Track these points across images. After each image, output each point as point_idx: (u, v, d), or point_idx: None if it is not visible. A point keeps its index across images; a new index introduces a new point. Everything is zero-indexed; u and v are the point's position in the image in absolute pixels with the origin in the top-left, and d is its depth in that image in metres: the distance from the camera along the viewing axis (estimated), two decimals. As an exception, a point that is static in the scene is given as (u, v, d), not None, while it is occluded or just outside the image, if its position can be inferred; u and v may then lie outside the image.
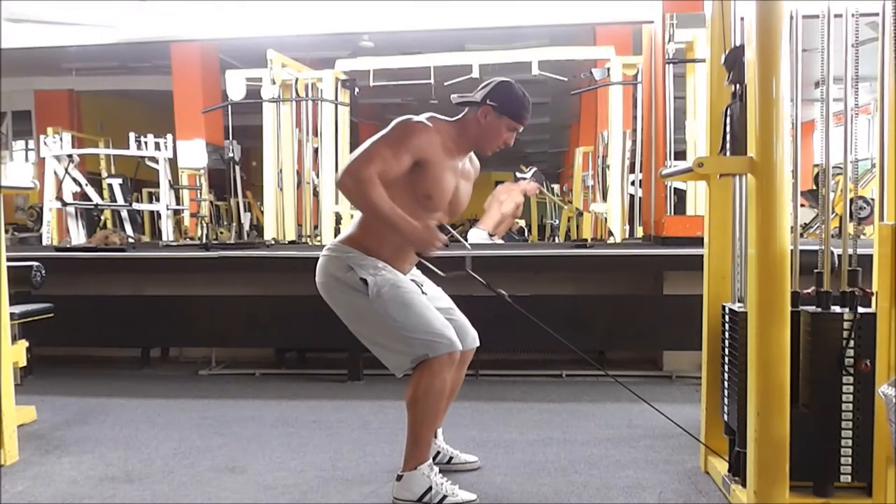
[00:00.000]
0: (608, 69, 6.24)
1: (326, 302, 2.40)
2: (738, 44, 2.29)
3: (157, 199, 8.27)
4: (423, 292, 2.42)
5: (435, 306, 2.38)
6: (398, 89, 8.39)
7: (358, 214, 2.44)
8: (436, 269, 2.36)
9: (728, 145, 2.29)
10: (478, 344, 2.54)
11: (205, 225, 7.51)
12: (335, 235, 2.90)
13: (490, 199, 6.01)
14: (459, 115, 2.41)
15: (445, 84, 6.35)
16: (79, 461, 2.80)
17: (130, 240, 6.71)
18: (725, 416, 2.38)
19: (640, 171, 5.62)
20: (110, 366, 4.62)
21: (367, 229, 2.36)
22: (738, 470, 2.26)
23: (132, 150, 7.85)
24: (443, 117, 2.39)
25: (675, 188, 4.87)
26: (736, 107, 2.23)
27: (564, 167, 14.41)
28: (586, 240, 6.35)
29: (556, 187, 11.76)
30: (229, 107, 6.77)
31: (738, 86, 2.24)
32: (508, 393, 3.84)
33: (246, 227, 8.43)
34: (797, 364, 2.16)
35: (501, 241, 5.85)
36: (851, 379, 2.15)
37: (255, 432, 3.15)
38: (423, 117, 2.33)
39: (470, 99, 2.38)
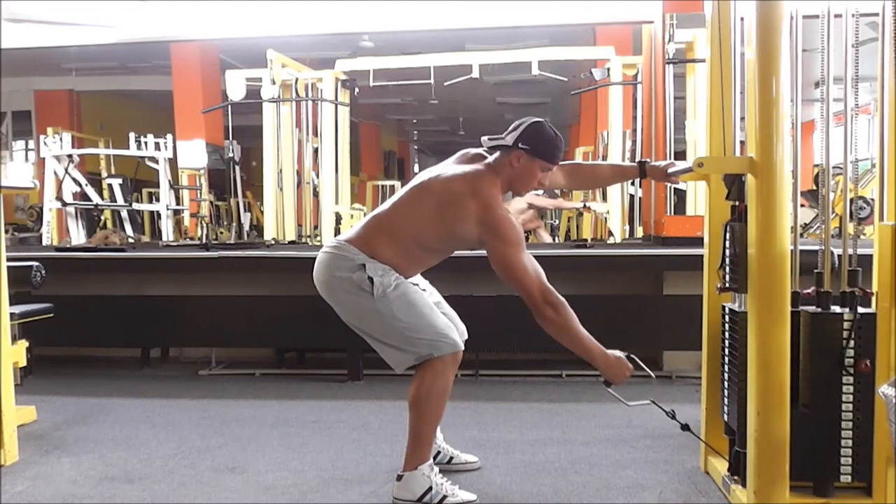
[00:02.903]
0: (608, 69, 6.24)
1: (325, 299, 2.40)
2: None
3: (157, 199, 8.27)
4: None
5: None
6: (398, 89, 8.40)
7: (365, 218, 2.44)
8: (620, 399, 2.40)
9: (727, 262, 2.22)
10: (466, 337, 2.54)
11: (205, 225, 7.51)
12: (335, 235, 2.90)
13: None
14: (491, 159, 2.39)
15: (445, 84, 6.36)
16: (79, 461, 2.80)
17: (130, 240, 6.71)
18: (725, 416, 2.38)
19: (640, 171, 5.60)
20: (110, 366, 4.62)
21: (375, 232, 2.36)
22: (738, 470, 2.26)
23: (132, 150, 7.86)
24: (476, 164, 2.38)
25: (675, 188, 4.86)
26: (736, 226, 2.16)
27: (564, 167, 14.37)
28: (586, 240, 6.36)
29: (556, 187, 11.74)
30: (229, 107, 6.76)
31: (738, 203, 2.17)
32: (508, 393, 3.84)
33: (246, 227, 8.43)
34: (797, 364, 2.16)
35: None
36: (851, 379, 2.15)
37: (255, 432, 3.15)
38: (483, 180, 2.31)
39: (501, 143, 2.36)
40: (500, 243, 2.25)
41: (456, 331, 2.36)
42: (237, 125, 7.00)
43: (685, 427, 2.50)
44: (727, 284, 2.23)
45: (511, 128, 2.37)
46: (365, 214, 3.64)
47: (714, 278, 2.55)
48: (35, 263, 3.51)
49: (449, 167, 2.41)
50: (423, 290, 2.47)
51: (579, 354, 2.31)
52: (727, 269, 2.23)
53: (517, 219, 6.18)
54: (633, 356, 2.37)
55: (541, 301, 2.23)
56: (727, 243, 2.23)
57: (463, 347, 2.36)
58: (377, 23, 5.60)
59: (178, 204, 8.26)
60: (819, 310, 2.22)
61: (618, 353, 2.33)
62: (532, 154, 2.33)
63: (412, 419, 2.33)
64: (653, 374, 2.46)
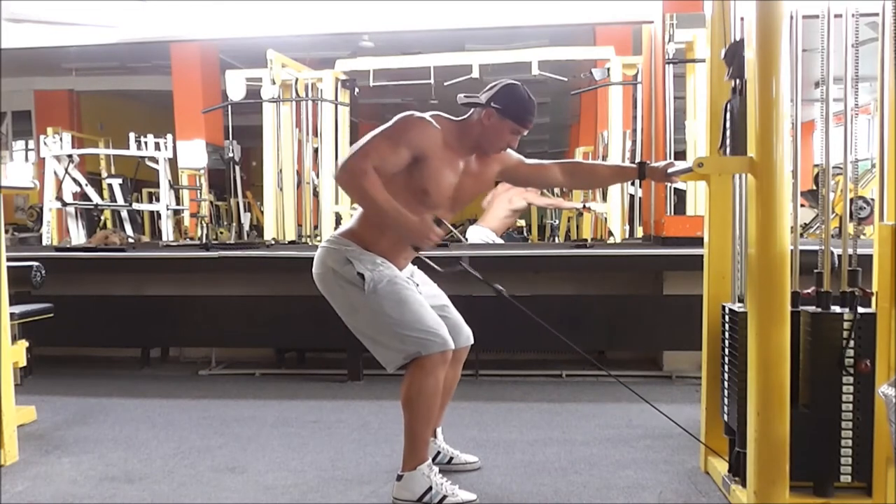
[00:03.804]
0: (608, 69, 6.23)
1: (322, 293, 2.41)
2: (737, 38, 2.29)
3: (157, 199, 8.27)
4: (419, 291, 2.42)
5: (430, 304, 2.39)
6: (398, 89, 8.38)
7: (358, 209, 2.45)
8: (433, 265, 2.35)
9: (728, 141, 2.27)
10: (472, 342, 2.55)
11: (205, 225, 7.51)
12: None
13: (491, 196, 6.00)
14: (465, 115, 2.41)
15: (445, 84, 6.35)
16: (79, 461, 2.80)
17: (130, 240, 6.71)
18: (725, 416, 2.38)
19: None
20: (110, 366, 4.62)
21: (367, 223, 2.36)
22: (738, 470, 2.26)
23: (132, 150, 7.85)
24: (447, 116, 2.39)
25: (675, 188, 4.86)
26: (736, 101, 2.22)
27: (564, 167, 14.35)
28: (586, 240, 6.36)
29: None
30: (229, 107, 6.76)
31: (737, 81, 2.23)
32: (508, 393, 3.84)
33: (246, 227, 8.42)
34: (797, 364, 2.16)
35: (501, 241, 5.85)
36: (851, 379, 2.15)
37: (255, 432, 3.15)
38: (426, 114, 2.34)
39: (474, 100, 2.36)
40: (383, 126, 2.27)
41: (446, 329, 2.34)
42: (237, 125, 7.00)
43: (500, 292, 2.40)
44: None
45: (487, 87, 2.37)
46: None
47: (714, 280, 2.55)
48: (35, 263, 3.52)
49: None
50: (421, 291, 2.46)
51: (376, 217, 2.26)
52: (727, 149, 2.23)
53: (505, 210, 6.13)
54: (443, 220, 2.29)
55: (346, 163, 2.22)
56: (727, 123, 2.26)
57: (453, 347, 2.34)
58: (377, 23, 5.59)
59: (178, 204, 8.25)
60: (819, 310, 2.22)
61: (426, 215, 2.26)
62: (502, 114, 2.32)
63: (406, 420, 2.33)
64: (465, 240, 2.38)
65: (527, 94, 2.36)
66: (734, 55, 2.23)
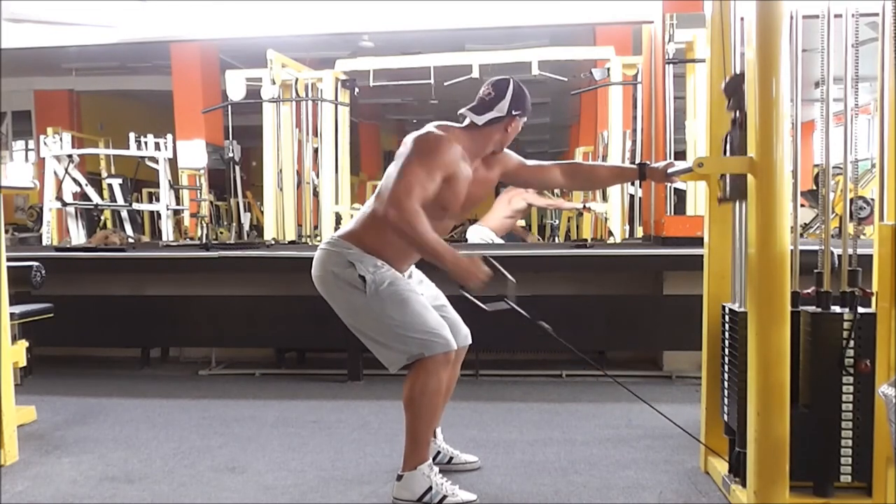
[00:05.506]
0: (608, 69, 6.23)
1: (322, 295, 2.41)
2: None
3: (157, 199, 8.27)
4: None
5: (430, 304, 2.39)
6: (398, 89, 8.39)
7: (360, 210, 2.45)
8: (478, 303, 2.36)
9: (728, 175, 2.24)
10: (470, 341, 2.55)
11: (205, 225, 7.51)
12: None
13: (497, 200, 6.02)
14: (471, 124, 2.38)
15: (445, 84, 6.35)
16: (79, 461, 2.80)
17: (130, 240, 6.71)
18: (725, 416, 2.38)
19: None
20: (110, 366, 4.62)
21: (369, 228, 2.36)
22: (738, 470, 2.26)
23: (132, 150, 7.86)
24: (452, 125, 2.39)
25: (675, 188, 4.86)
26: (735, 134, 2.19)
27: (564, 167, 14.36)
28: (586, 240, 6.36)
29: (556, 187, 11.74)
30: (229, 107, 6.76)
31: (737, 113, 2.20)
32: (508, 393, 3.84)
33: (246, 227, 8.43)
34: (797, 364, 2.16)
35: (502, 241, 5.85)
36: (851, 379, 2.15)
37: (255, 432, 3.15)
38: (436, 128, 2.33)
39: (496, 115, 2.36)
40: (411, 151, 2.26)
41: (448, 329, 2.35)
42: (237, 125, 7.00)
43: (547, 330, 2.41)
44: (727, 195, 2.23)
45: (492, 94, 2.37)
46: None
47: (714, 280, 2.56)
48: (35, 263, 3.51)
49: None
50: (422, 293, 2.46)
51: (428, 258, 2.27)
52: (728, 177, 2.22)
53: (508, 210, 6.13)
54: (490, 259, 2.31)
55: (394, 202, 2.19)
56: (727, 154, 2.24)
57: (455, 347, 2.35)
58: (377, 23, 5.59)
59: (178, 204, 8.26)
60: (819, 310, 2.22)
61: (475, 256, 2.28)
62: (522, 115, 2.41)
63: (408, 420, 2.33)
64: (513, 279, 2.38)
65: (521, 84, 2.41)
66: (735, 88, 2.20)
